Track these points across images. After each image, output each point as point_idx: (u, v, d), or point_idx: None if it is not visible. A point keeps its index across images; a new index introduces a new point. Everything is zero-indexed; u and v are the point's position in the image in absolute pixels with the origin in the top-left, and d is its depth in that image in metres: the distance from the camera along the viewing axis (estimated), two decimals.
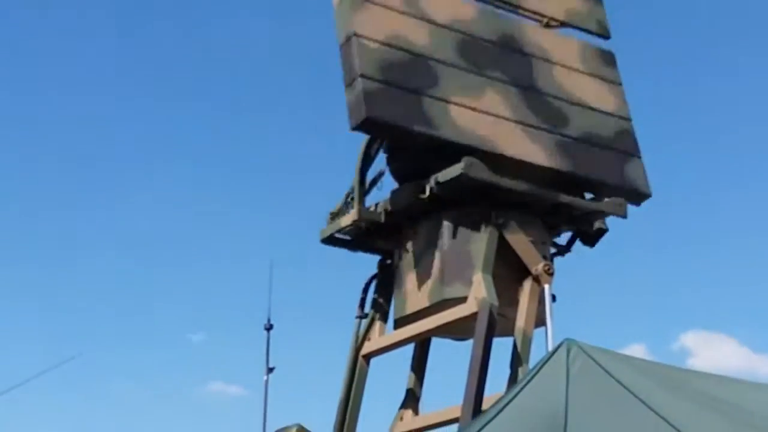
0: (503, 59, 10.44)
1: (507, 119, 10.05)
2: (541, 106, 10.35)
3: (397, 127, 9.52)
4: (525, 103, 10.27)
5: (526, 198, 9.87)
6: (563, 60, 10.83)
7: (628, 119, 10.86)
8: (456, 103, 9.83)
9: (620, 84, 11.11)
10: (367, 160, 10.46)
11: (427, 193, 9.66)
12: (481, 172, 9.50)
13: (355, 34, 9.60)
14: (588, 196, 10.41)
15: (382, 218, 10.24)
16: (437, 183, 9.59)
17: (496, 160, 9.72)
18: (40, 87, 27.57)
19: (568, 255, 10.80)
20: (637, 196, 10.53)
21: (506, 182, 9.67)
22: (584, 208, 10.27)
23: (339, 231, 10.49)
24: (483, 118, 9.91)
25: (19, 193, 26.86)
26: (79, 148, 27.04)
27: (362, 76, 9.41)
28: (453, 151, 9.59)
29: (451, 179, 9.51)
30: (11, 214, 26.68)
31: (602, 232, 10.41)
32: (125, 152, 27.66)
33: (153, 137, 27.86)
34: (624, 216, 10.31)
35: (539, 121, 10.24)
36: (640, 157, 10.69)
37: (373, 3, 9.91)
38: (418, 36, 10.04)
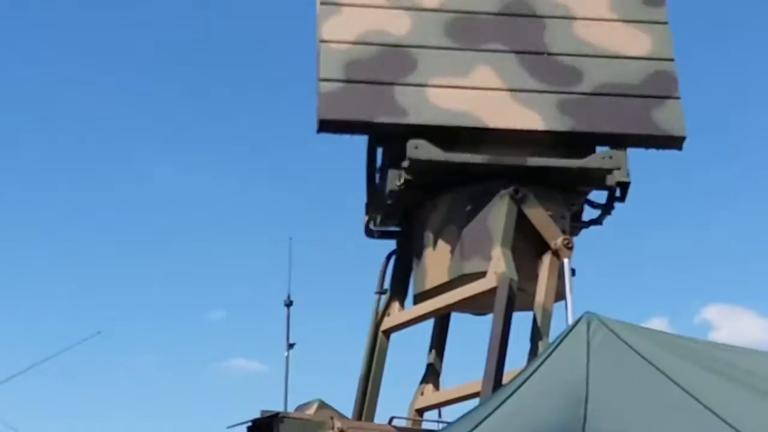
0: (505, 28, 10.38)
1: (498, 90, 10.07)
2: (547, 68, 10.20)
3: (357, 123, 9.94)
4: (526, 68, 10.17)
5: (492, 169, 9.82)
6: (586, 12, 10.56)
7: (668, 59, 10.40)
8: (436, 85, 10.02)
9: (664, 23, 10.66)
10: (372, 156, 10.57)
11: (401, 180, 9.97)
12: (427, 153, 9.74)
13: (321, 41, 10.21)
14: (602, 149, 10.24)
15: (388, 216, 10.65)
16: (404, 169, 9.90)
17: (482, 135, 9.84)
18: None
19: (586, 230, 10.81)
20: (669, 140, 10.17)
21: (459, 157, 9.78)
22: (566, 167, 9.95)
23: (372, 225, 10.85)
24: (468, 94, 10.02)
25: (40, 167, 26.97)
26: (104, 131, 27.13)
27: (321, 80, 9.98)
28: (433, 133, 9.81)
29: (411, 163, 9.82)
30: (33, 190, 26.81)
31: (620, 187, 10.12)
32: (146, 126, 27.75)
33: (172, 111, 27.93)
34: (617, 168, 9.94)
35: (541, 85, 10.10)
36: (677, 98, 10.24)
37: (349, 5, 10.38)
38: (399, 26, 10.34)
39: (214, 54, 27.91)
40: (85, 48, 27.31)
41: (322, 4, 10.44)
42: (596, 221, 10.71)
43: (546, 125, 9.94)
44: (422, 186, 10.06)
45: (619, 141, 10.10)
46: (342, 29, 10.29)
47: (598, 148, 10.16)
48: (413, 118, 9.86)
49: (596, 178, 10.10)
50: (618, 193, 10.28)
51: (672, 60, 10.43)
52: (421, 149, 9.77)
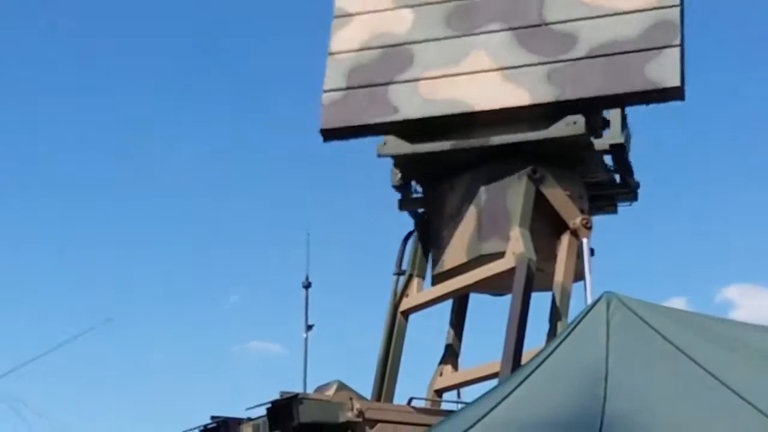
0: (504, 7, 10.36)
1: (489, 71, 10.11)
2: (542, 39, 10.12)
3: (354, 127, 10.39)
4: (520, 44, 10.13)
5: (456, 154, 9.97)
6: None
7: (672, 5, 9.95)
8: (427, 78, 10.26)
9: None
10: None
11: (398, 176, 10.54)
12: (395, 148, 10.18)
13: (329, 53, 10.73)
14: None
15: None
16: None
17: (473, 119, 9.92)
18: None
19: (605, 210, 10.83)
20: (663, 93, 9.69)
21: (424, 147, 10.05)
22: (530, 141, 9.84)
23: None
24: (459, 80, 10.18)
25: (61, 152, 27.07)
26: (124, 109, 27.20)
27: (325, 91, 10.54)
28: (424, 125, 10.07)
29: (395, 159, 10.37)
30: (49, 174, 26.92)
31: (614, 150, 10.06)
32: (166, 111, 27.79)
33: (195, 98, 27.97)
34: (582, 133, 9.68)
35: (534, 58, 10.02)
36: (676, 46, 9.75)
37: (359, 13, 10.87)
38: (401, 24, 10.64)
39: (238, 41, 27.92)
40: (111, 31, 27.35)
41: (336, 17, 10.86)
42: (624, 192, 10.61)
43: (532, 99, 9.83)
44: (421, 178, 10.48)
45: (610, 102, 9.89)
46: (349, 39, 10.74)
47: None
48: (402, 114, 10.17)
49: (574, 145, 9.79)
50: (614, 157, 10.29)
51: (677, 6, 9.92)
52: (388, 145, 10.22)
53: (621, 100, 9.92)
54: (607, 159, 10.75)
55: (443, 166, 10.24)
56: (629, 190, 10.89)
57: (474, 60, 10.21)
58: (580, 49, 9.96)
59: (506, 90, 9.96)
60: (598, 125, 9.91)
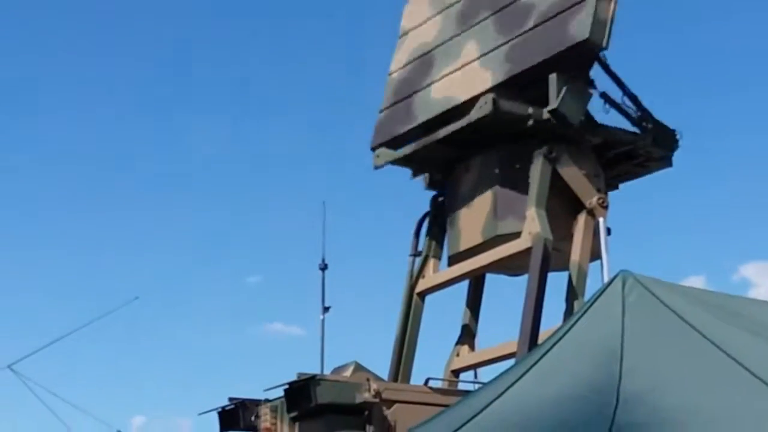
0: None
1: (473, 61, 10.27)
2: (511, 17, 10.08)
3: (392, 140, 10.80)
4: (497, 27, 10.16)
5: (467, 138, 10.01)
6: None
7: None
8: (439, 79, 10.55)
9: None
10: None
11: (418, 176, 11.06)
12: (384, 158, 10.75)
13: (388, 74, 11.32)
14: None
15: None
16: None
17: (459, 110, 10.04)
18: None
19: (622, 189, 10.73)
20: (578, 48, 9.41)
21: (407, 149, 10.55)
22: (463, 127, 9.89)
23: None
24: (455, 76, 10.41)
25: (78, 130, 27.13)
26: (139, 97, 27.26)
27: (379, 111, 11.14)
28: (435, 125, 10.29)
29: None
30: (78, 159, 26.99)
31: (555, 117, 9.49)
32: (186, 90, 27.82)
33: (214, 77, 27.97)
34: (487, 113, 9.55)
35: (503, 38, 10.02)
36: None
37: (411, 29, 11.35)
38: (431, 32, 11.00)
39: (256, 18, 27.87)
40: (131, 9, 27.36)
41: (399, 37, 11.45)
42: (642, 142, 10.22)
43: (492, 81, 9.88)
44: (436, 168, 10.80)
45: (543, 70, 9.57)
46: (399, 58, 11.30)
47: None
48: (417, 120, 10.56)
49: (510, 122, 9.65)
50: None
51: None
52: (380, 156, 10.80)
53: (550, 66, 9.51)
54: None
55: (457, 149, 10.21)
56: (649, 141, 10.25)
57: (466, 53, 10.40)
58: (530, 20, 9.91)
59: (479, 76, 10.07)
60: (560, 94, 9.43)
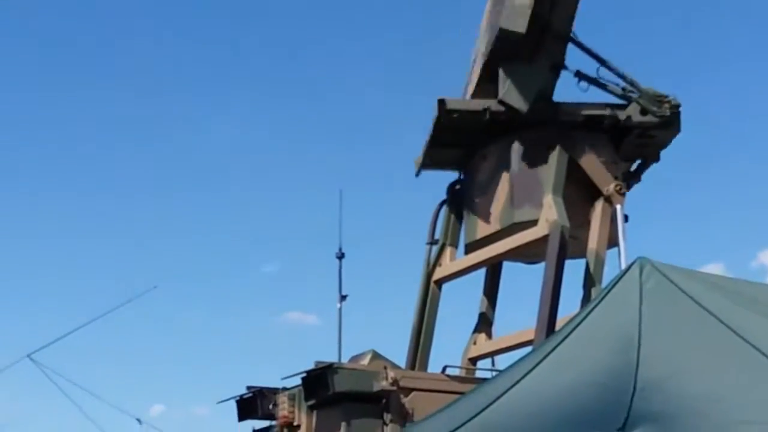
0: None
1: (478, 59, 10.39)
2: (497, 13, 10.08)
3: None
4: (493, 19, 10.14)
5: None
6: None
7: None
8: (467, 89, 10.57)
9: None
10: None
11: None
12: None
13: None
14: None
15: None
16: None
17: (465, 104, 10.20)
18: None
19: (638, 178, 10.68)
20: (502, 39, 9.71)
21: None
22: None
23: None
24: (472, 80, 10.48)
25: (98, 124, 27.22)
26: (157, 87, 27.31)
27: None
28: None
29: None
30: (93, 151, 27.09)
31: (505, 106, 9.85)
32: (202, 82, 27.88)
33: (229, 70, 28.02)
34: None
35: (493, 28, 10.02)
36: None
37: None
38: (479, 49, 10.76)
39: (267, 11, 27.88)
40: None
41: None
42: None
43: (476, 78, 10.17)
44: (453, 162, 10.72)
45: (494, 61, 9.95)
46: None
47: None
48: None
49: (470, 119, 9.97)
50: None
51: None
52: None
53: (496, 56, 9.89)
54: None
55: (474, 136, 10.19)
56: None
57: (475, 55, 10.54)
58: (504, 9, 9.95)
59: (476, 71, 10.31)
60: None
